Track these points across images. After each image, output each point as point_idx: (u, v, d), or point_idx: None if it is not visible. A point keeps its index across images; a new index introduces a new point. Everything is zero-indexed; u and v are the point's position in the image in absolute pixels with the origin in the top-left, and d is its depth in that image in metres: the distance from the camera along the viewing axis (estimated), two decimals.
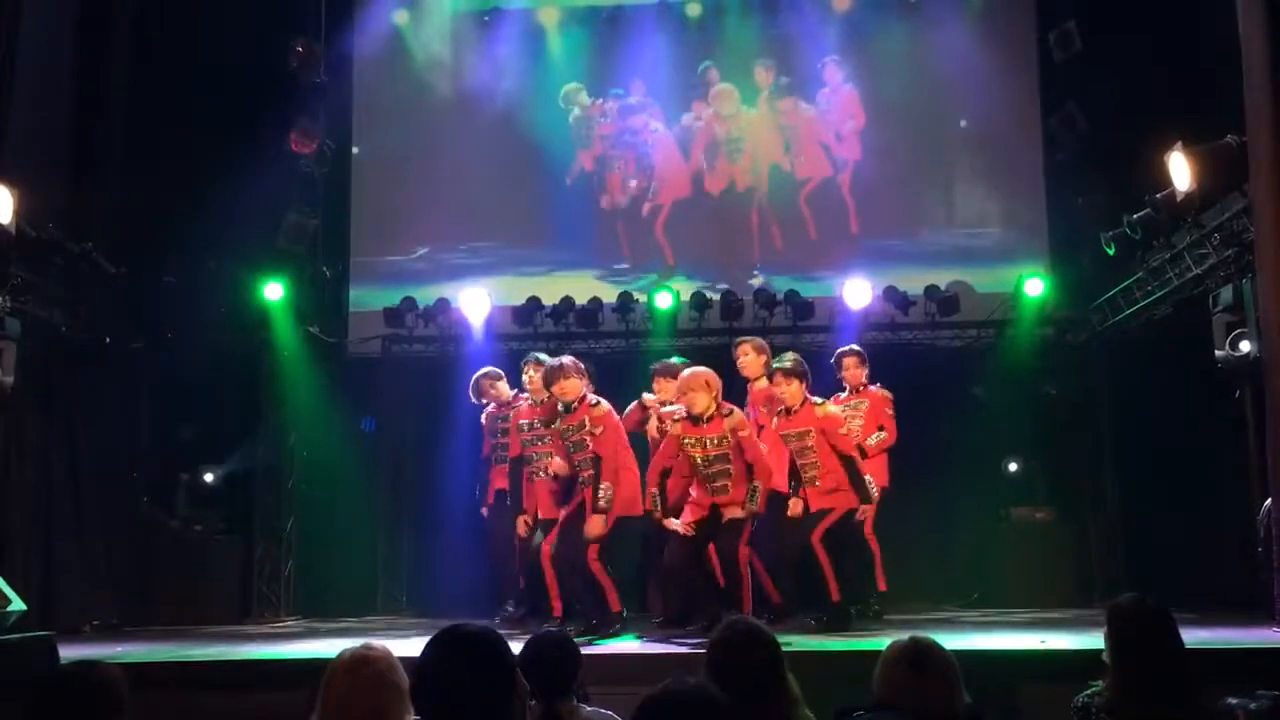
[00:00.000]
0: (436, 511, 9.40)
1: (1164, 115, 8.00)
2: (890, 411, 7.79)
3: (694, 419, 6.50)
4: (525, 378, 7.56)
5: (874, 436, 7.70)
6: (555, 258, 10.49)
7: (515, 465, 7.58)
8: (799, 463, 6.86)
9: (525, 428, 7.51)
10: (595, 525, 6.48)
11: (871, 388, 7.85)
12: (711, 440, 6.50)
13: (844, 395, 7.82)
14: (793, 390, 6.81)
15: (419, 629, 6.97)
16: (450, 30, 10.96)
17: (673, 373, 7.20)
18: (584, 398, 6.70)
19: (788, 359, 7.01)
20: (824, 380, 7.58)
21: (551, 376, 6.72)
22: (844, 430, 6.92)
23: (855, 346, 8.05)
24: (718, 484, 6.54)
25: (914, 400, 8.21)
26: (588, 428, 6.63)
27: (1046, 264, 10.01)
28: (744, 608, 6.54)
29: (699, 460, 6.53)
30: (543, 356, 7.38)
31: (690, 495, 6.74)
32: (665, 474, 6.65)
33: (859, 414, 7.73)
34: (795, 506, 6.85)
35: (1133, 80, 8.98)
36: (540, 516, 7.38)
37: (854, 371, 7.83)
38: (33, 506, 8.31)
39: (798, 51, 10.63)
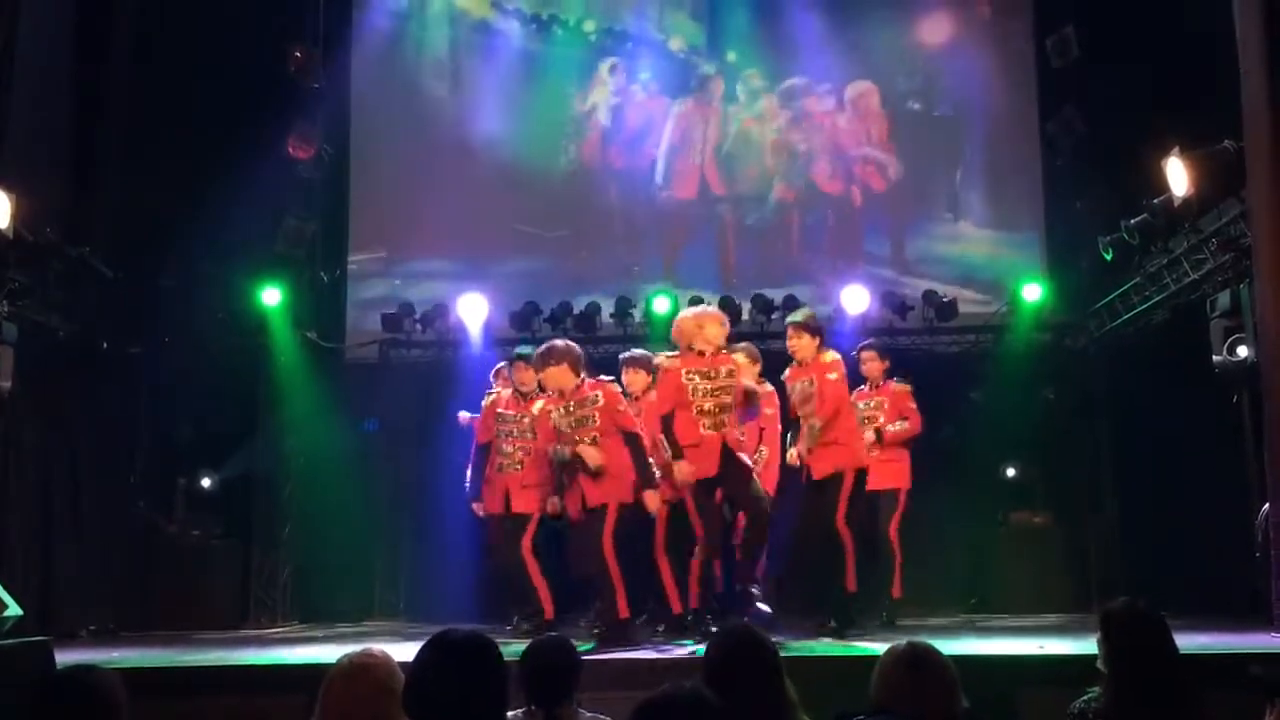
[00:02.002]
0: (434, 516, 9.39)
1: (1162, 120, 8.00)
2: (913, 405, 7.85)
3: (700, 353, 6.39)
4: (515, 376, 7.51)
5: (896, 424, 7.74)
6: (553, 262, 10.49)
7: (481, 452, 7.49)
8: (800, 412, 6.77)
9: (502, 418, 7.44)
10: (653, 500, 6.29)
11: (890, 383, 7.91)
12: (720, 371, 6.39)
13: (865, 389, 7.86)
14: (804, 344, 6.75)
15: (416, 634, 6.96)
16: (449, 35, 10.98)
17: (644, 364, 7.15)
18: (583, 382, 6.49)
19: (800, 313, 7.03)
20: None
21: (543, 359, 6.52)
22: (834, 375, 6.70)
23: (874, 341, 8.12)
24: (720, 417, 6.34)
25: None
26: (602, 402, 6.39)
27: (1044, 269, 10.03)
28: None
29: (704, 391, 6.31)
30: (528, 350, 7.35)
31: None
32: (668, 419, 6.35)
33: (880, 412, 7.80)
34: (791, 456, 6.80)
35: (1130, 85, 8.98)
36: (513, 510, 7.30)
37: (872, 365, 7.87)
38: (30, 511, 8.30)
39: (796, 54, 10.64)
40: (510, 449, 7.39)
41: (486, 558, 7.77)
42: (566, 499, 6.69)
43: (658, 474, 6.48)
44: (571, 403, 6.46)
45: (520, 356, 7.49)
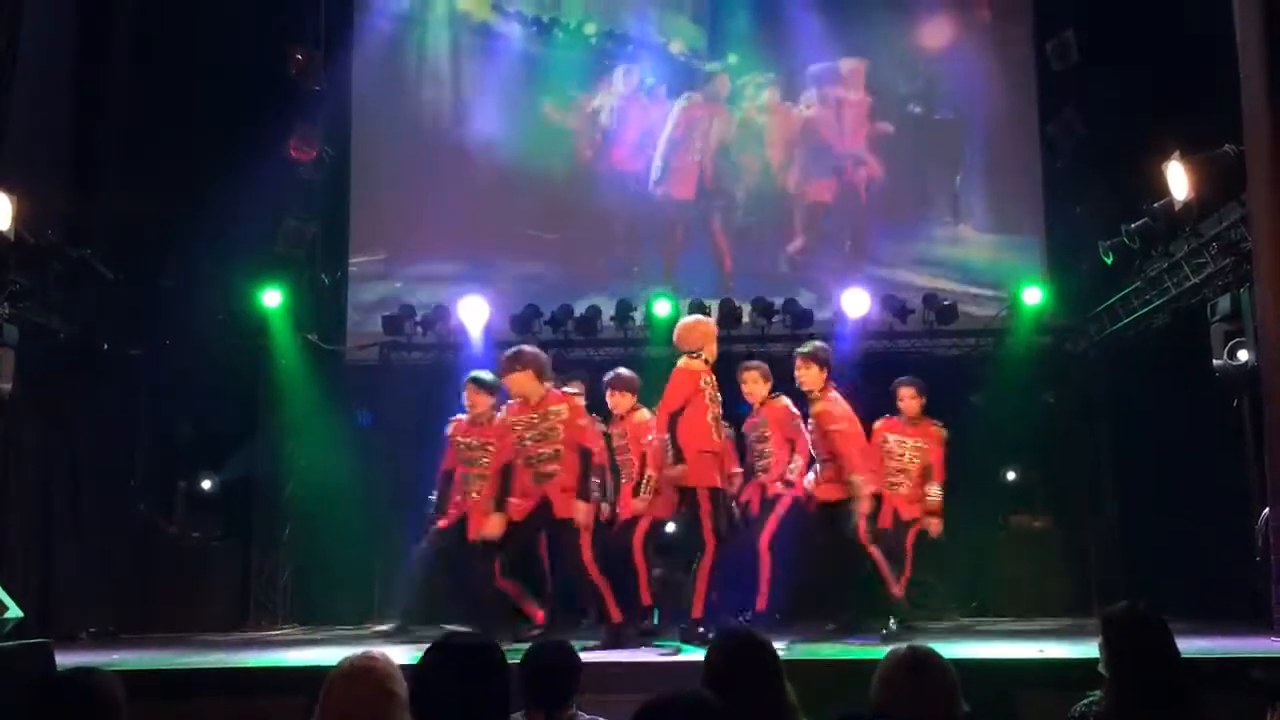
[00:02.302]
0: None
1: (1162, 123, 8.01)
2: (942, 451, 7.81)
3: (706, 361, 6.47)
4: (466, 399, 7.37)
5: (934, 491, 7.69)
6: (554, 264, 10.49)
7: (446, 479, 7.34)
8: (817, 451, 6.90)
9: (462, 446, 7.32)
10: (582, 512, 6.36)
11: (929, 425, 7.84)
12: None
13: (899, 421, 7.78)
14: (811, 375, 6.80)
15: (416, 637, 6.95)
16: (450, 38, 10.99)
17: (630, 385, 7.18)
18: (548, 392, 6.50)
19: (809, 345, 7.12)
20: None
21: (509, 364, 6.50)
22: (836, 426, 6.82)
23: (913, 377, 8.00)
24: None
25: None
26: (565, 415, 6.42)
27: (1045, 272, 10.03)
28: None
29: (712, 399, 6.41)
30: (483, 375, 7.28)
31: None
32: (676, 417, 6.34)
33: (918, 456, 7.73)
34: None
35: (1130, 88, 8.99)
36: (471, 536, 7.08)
37: (911, 402, 7.78)
38: (31, 512, 8.30)
39: (796, 58, 10.65)
40: (470, 477, 7.22)
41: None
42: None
43: (645, 488, 6.60)
44: (535, 414, 6.47)
45: (474, 380, 7.33)
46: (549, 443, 6.41)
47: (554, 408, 6.44)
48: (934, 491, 7.69)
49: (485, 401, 7.16)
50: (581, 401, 6.62)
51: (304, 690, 4.07)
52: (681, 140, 10.71)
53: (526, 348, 6.71)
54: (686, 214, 10.64)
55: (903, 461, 7.70)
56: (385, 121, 10.85)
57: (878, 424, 7.73)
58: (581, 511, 6.35)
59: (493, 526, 6.38)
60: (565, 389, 6.65)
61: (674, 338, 6.73)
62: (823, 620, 7.10)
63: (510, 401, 6.66)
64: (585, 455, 6.42)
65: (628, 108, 10.78)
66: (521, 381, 6.47)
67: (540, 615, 7.05)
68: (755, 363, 7.49)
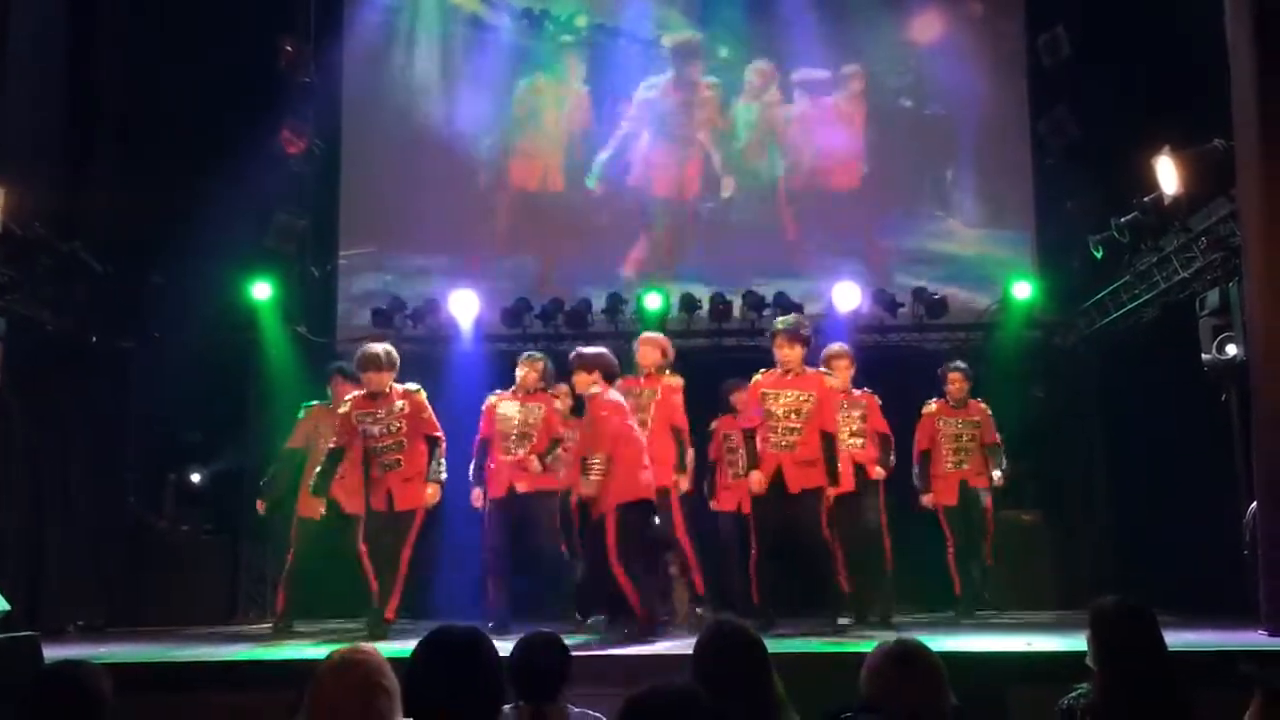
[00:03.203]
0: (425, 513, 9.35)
1: (1152, 119, 8.02)
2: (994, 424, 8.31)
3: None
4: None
5: (995, 471, 8.12)
6: (545, 257, 10.47)
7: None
8: (778, 426, 6.74)
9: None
10: (436, 495, 6.83)
11: (978, 403, 8.34)
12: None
13: (948, 404, 8.26)
14: (795, 354, 6.77)
15: (407, 631, 6.96)
16: (440, 29, 10.96)
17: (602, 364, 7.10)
18: (391, 389, 6.86)
19: (790, 319, 7.12)
20: None
21: (365, 366, 6.84)
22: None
23: (960, 364, 8.39)
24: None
25: (901, 403, 8.26)
26: (407, 411, 6.80)
27: (1035, 266, 10.05)
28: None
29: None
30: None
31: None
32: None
33: (976, 432, 8.21)
34: (759, 482, 6.68)
35: (1122, 84, 9.01)
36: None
37: (960, 384, 8.22)
38: (20, 506, 8.27)
39: (787, 52, 10.64)
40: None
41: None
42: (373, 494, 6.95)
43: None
44: (381, 410, 6.82)
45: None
46: (392, 436, 6.82)
47: (396, 403, 6.83)
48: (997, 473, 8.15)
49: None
50: (423, 396, 6.94)
51: (293, 684, 4.06)
52: (671, 134, 10.70)
53: (378, 348, 6.94)
54: (676, 208, 10.63)
55: (962, 442, 8.16)
56: (375, 114, 10.81)
57: (928, 409, 8.19)
58: (432, 493, 6.81)
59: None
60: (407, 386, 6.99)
61: (663, 352, 7.14)
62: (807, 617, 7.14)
63: (360, 392, 6.96)
64: (433, 442, 6.86)
65: (619, 101, 10.76)
66: (385, 379, 6.84)
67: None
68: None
